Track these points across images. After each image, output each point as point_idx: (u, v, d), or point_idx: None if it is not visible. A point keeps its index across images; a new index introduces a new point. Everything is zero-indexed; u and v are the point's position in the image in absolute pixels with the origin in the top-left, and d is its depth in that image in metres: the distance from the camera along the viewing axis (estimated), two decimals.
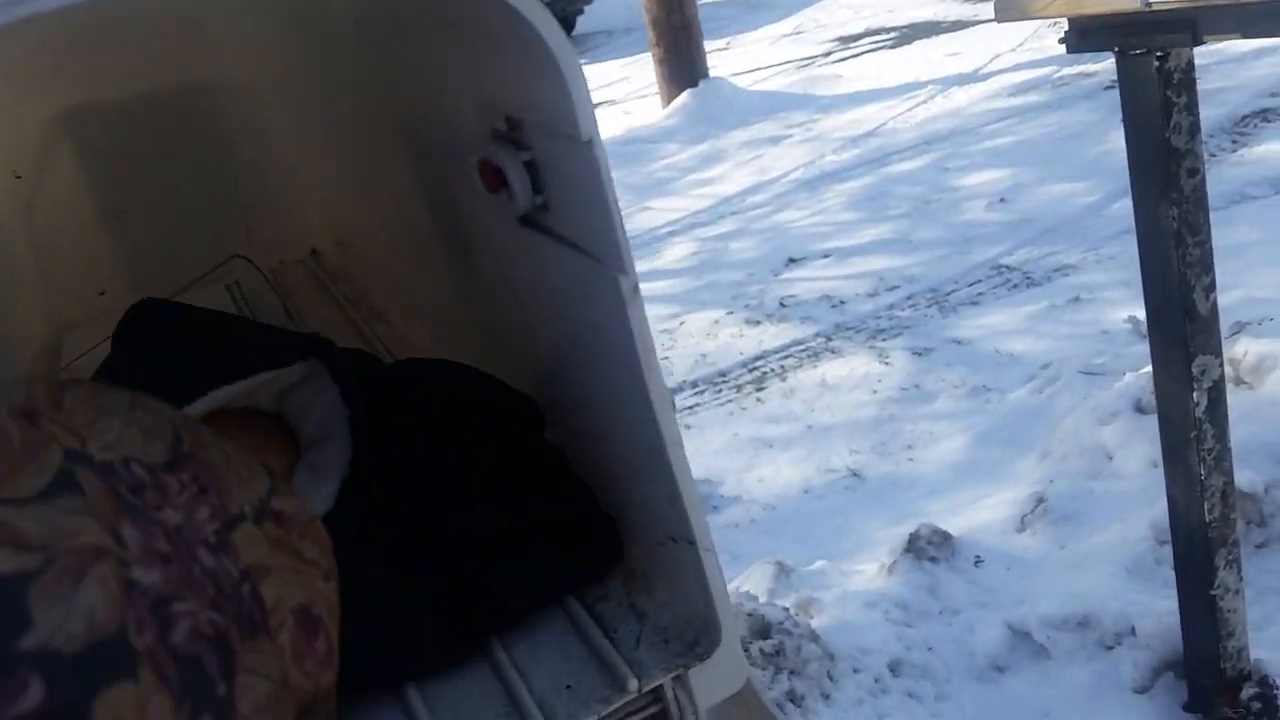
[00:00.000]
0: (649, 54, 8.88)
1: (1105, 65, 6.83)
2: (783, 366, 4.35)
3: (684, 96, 8.26)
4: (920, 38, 9.28)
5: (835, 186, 6.25)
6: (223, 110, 0.84)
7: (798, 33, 11.04)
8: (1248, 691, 1.96)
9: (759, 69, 9.70)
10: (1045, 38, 7.78)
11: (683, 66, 8.34)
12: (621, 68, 11.42)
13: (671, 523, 0.46)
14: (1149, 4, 1.53)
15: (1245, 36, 1.54)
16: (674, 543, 0.47)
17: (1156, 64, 1.66)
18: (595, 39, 13.39)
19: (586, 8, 13.62)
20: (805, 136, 7.35)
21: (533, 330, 0.54)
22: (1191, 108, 1.69)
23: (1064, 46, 1.78)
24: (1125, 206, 5.04)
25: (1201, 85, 1.81)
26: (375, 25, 0.45)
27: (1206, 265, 1.77)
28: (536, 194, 0.44)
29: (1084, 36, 1.73)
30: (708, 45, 8.92)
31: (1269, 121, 5.42)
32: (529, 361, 0.57)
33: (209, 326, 0.64)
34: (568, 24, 13.71)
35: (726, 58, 10.34)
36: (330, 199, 0.89)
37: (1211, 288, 1.79)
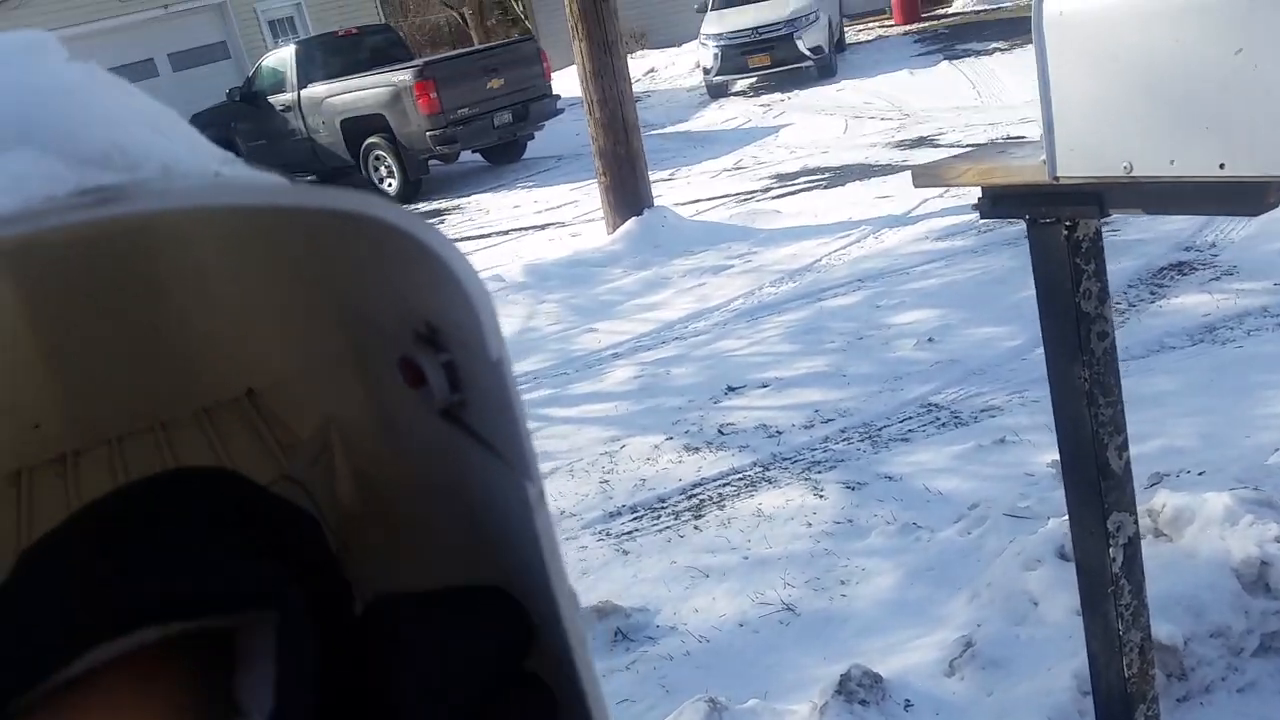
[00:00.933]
0: (594, 180, 9.11)
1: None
2: (720, 495, 4.37)
3: (630, 223, 8.46)
4: (853, 179, 9.65)
5: (774, 318, 6.39)
6: (162, 251, 0.85)
7: (738, 168, 11.41)
8: None
9: (701, 200, 9.99)
10: (970, 186, 8.13)
11: (628, 195, 8.56)
12: (569, 191, 11.69)
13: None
14: (1057, 178, 1.63)
15: (1148, 213, 1.64)
16: None
17: (1065, 232, 1.75)
18: (545, 163, 13.71)
19: (537, 133, 13.99)
20: (745, 268, 7.54)
21: (448, 519, 0.55)
22: (1100, 274, 1.79)
23: (978, 213, 1.87)
24: None
25: (1120, 237, 1.91)
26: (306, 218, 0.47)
27: (1119, 425, 1.84)
28: (454, 391, 0.47)
29: (996, 204, 1.83)
30: (652, 175, 9.18)
31: (1184, 274, 5.69)
32: (441, 547, 0.58)
33: (147, 520, 0.47)
34: (518, 148, 14.06)
35: (671, 188, 10.64)
36: (266, 340, 0.90)
37: (1124, 446, 1.86)
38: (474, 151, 13.75)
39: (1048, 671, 2.65)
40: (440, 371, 0.45)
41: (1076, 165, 1.53)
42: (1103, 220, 1.67)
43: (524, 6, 24.13)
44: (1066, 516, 3.28)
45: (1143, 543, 1.99)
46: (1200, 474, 3.21)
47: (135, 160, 0.40)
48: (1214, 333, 4.91)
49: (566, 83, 15.06)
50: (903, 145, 10.68)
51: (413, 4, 29.24)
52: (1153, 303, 5.40)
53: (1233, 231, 6.05)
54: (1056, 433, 1.89)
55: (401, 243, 0.41)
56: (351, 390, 0.69)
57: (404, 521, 0.66)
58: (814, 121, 12.85)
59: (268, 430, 0.97)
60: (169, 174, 0.40)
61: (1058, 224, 1.71)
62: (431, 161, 13.26)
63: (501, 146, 13.65)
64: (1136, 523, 1.92)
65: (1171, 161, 1.39)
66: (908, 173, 7.78)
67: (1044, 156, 1.58)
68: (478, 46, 18.30)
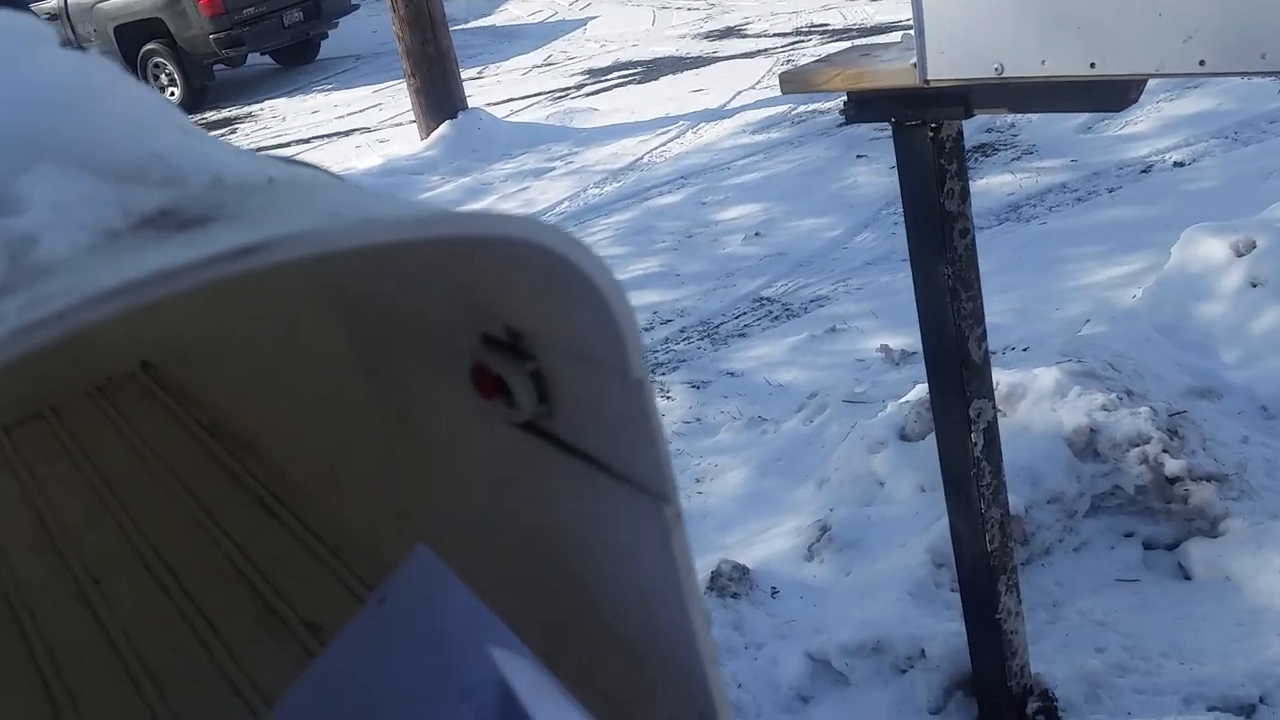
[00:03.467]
0: (401, 81, 8.72)
1: (837, 103, 7.33)
2: None
3: (444, 128, 8.17)
4: (666, 73, 9.61)
5: (602, 220, 6.36)
6: None
7: (549, 64, 11.17)
8: (1032, 706, 2.14)
9: (515, 99, 9.74)
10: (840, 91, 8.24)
11: (441, 97, 8.25)
12: (372, 94, 11.17)
13: None
14: (928, 81, 1.66)
15: (1012, 111, 1.70)
16: None
17: (930, 134, 1.80)
18: (343, 63, 13.02)
19: (331, 32, 13.24)
20: (568, 169, 7.45)
21: (511, 527, 0.52)
22: (961, 174, 1.85)
23: (843, 117, 1.90)
24: (867, 240, 5.44)
25: None
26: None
27: (978, 317, 1.93)
28: (542, 403, 0.43)
29: (863, 107, 1.85)
30: (461, 73, 8.87)
31: (987, 155, 5.98)
32: (504, 554, 0.54)
33: None
34: (311, 49, 13.29)
35: (481, 88, 10.32)
36: (163, 310, 0.82)
37: (983, 338, 1.96)
38: (263, 54, 12.90)
39: (901, 548, 2.82)
40: (528, 381, 0.42)
41: (947, 68, 1.56)
42: (968, 119, 1.72)
43: None
44: (903, 399, 3.48)
45: None
46: (1025, 350, 3.43)
47: (180, 172, 0.35)
48: (1018, 210, 5.21)
49: None
50: (712, 36, 10.69)
51: None
52: None
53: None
54: (920, 326, 1.97)
55: (501, 254, 0.37)
56: (334, 374, 0.63)
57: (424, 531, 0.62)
58: (621, 13, 12.67)
59: (175, 403, 0.89)
60: (221, 185, 0.35)
61: (923, 126, 1.75)
62: (216, 67, 12.37)
63: (293, 47, 12.85)
64: (995, 408, 2.04)
65: (1043, 62, 1.44)
66: (721, 65, 7.81)
67: (914, 60, 1.61)
68: None
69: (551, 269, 0.35)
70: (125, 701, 0.66)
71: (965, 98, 1.67)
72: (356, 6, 13.30)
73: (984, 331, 1.95)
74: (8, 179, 0.31)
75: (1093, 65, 1.42)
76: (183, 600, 0.73)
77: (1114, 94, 1.47)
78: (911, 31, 1.64)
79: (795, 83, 1.85)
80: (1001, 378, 2.94)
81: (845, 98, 1.86)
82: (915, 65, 1.63)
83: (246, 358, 0.76)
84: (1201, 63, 1.32)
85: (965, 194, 1.84)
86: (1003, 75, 1.52)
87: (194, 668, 0.67)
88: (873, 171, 6.03)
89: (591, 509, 0.43)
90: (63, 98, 0.34)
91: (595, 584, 0.46)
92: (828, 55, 1.90)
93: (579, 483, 0.42)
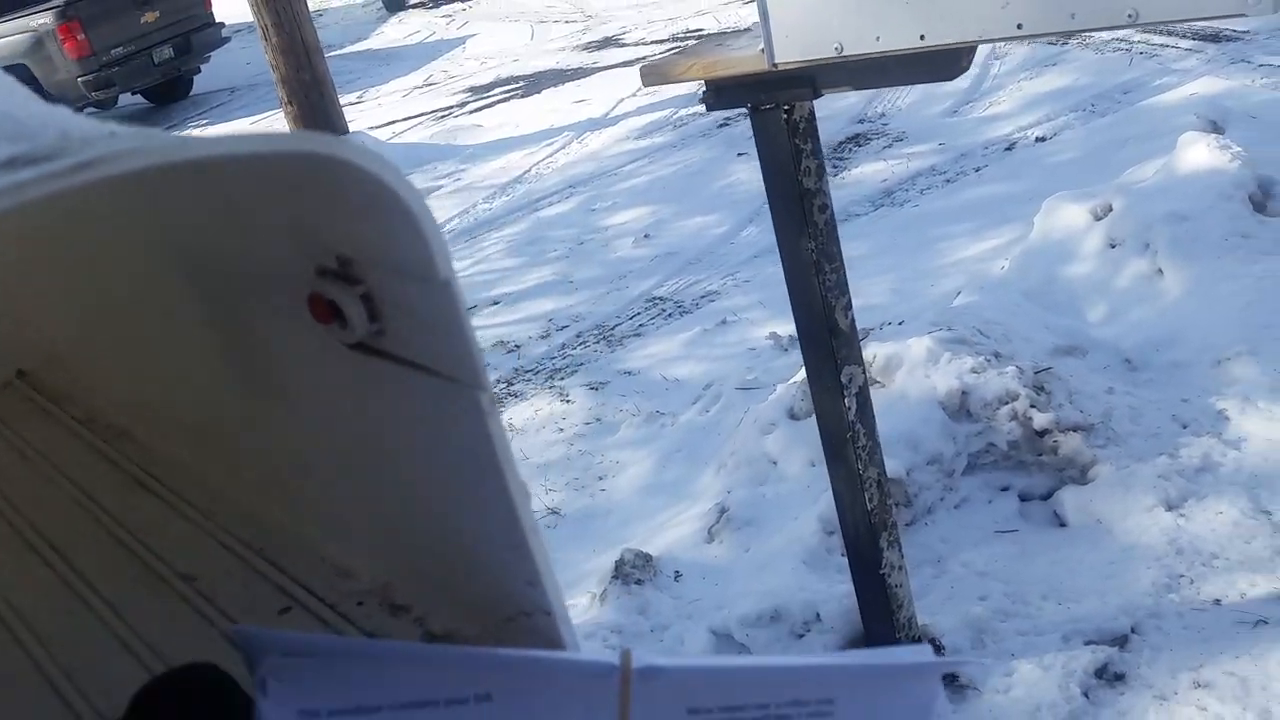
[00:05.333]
0: (278, 110, 8.62)
1: None
2: None
3: None
4: (548, 86, 9.68)
5: (493, 234, 6.39)
6: None
7: (430, 84, 11.14)
8: None
9: (397, 121, 9.70)
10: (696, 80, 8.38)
11: (320, 123, 8.17)
12: (250, 125, 10.97)
13: (530, 600, 0.52)
14: (775, 64, 1.76)
15: (855, 88, 1.81)
16: (527, 616, 0.53)
17: (785, 115, 1.90)
18: (218, 97, 12.76)
19: (204, 66, 12.98)
20: (455, 187, 7.46)
21: (359, 435, 0.57)
22: (817, 153, 1.95)
23: (704, 105, 1.99)
24: (752, 234, 5.58)
25: None
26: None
27: (843, 288, 2.04)
28: (373, 322, 0.49)
29: (720, 95, 1.94)
30: (340, 99, 8.80)
31: (860, 145, 6.19)
32: (357, 462, 0.60)
33: None
34: (184, 85, 13.01)
35: (362, 111, 10.25)
36: (35, 317, 0.86)
37: (849, 307, 2.06)
38: (134, 93, 12.58)
39: (794, 520, 2.93)
40: (359, 304, 0.47)
41: (792, 50, 1.66)
42: (816, 99, 1.83)
43: None
44: (791, 380, 3.60)
45: None
46: (900, 323, 3.58)
47: (29, 129, 0.40)
48: (892, 196, 5.41)
49: (230, 8, 13.98)
50: (590, 47, 10.79)
51: None
52: (836, 175, 5.85)
53: (899, 101, 6.63)
54: (790, 301, 2.07)
55: (321, 179, 0.42)
56: (193, 347, 0.68)
57: (293, 471, 0.67)
58: (500, 30, 12.70)
59: (52, 404, 0.92)
60: (68, 139, 0.40)
61: (777, 109, 1.85)
62: (88, 110, 12.02)
63: (165, 84, 12.54)
64: (865, 373, 2.15)
65: (877, 38, 1.55)
66: (602, 75, 7.92)
67: (762, 46, 1.70)
68: None
69: (364, 187, 0.41)
70: (14, 663, 0.70)
71: (812, 78, 1.77)
72: (227, 40, 13.06)
73: (849, 301, 2.06)
74: None
75: (922, 37, 1.53)
76: (65, 570, 0.77)
77: (945, 63, 1.58)
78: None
79: (655, 75, 1.93)
80: (878, 350, 3.08)
81: (704, 87, 1.95)
82: (764, 51, 1.73)
83: (115, 353, 0.80)
84: (1019, 26, 1.44)
85: (821, 171, 1.95)
86: (843, 54, 1.63)
87: (79, 625, 0.71)
88: (754, 169, 6.10)
89: (421, 412, 0.49)
90: None
91: (427, 480, 0.52)
92: (685, 48, 1.99)
93: (410, 390, 0.48)
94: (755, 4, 1.62)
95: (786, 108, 1.85)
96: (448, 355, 0.45)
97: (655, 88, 1.96)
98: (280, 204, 0.47)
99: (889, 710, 0.50)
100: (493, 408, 0.45)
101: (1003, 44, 6.74)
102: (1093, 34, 6.96)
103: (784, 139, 1.87)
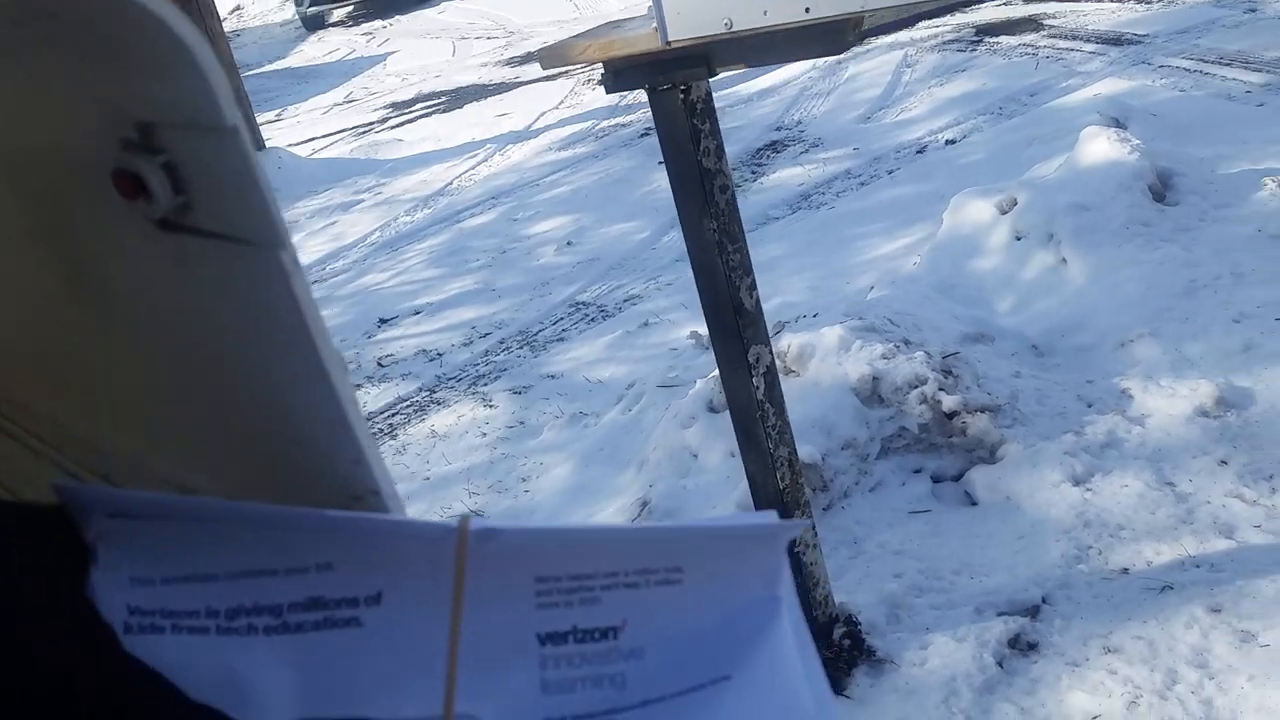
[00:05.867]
0: None
1: (637, 116, 7.55)
2: (391, 425, 4.35)
3: None
4: (470, 100, 9.67)
5: (414, 246, 6.35)
6: None
7: (350, 101, 11.05)
8: (838, 632, 2.28)
9: (317, 138, 9.60)
10: (582, 94, 8.43)
11: None
12: None
13: (358, 480, 0.51)
14: (669, 43, 1.78)
15: (748, 65, 1.83)
16: (358, 499, 0.52)
17: (682, 96, 1.92)
18: None
19: None
20: (376, 200, 7.40)
21: (181, 329, 0.56)
22: (715, 133, 1.97)
23: (603, 89, 2.00)
24: (673, 239, 5.62)
25: (720, 125, 2.13)
26: None
27: (746, 268, 2.06)
28: (177, 194, 0.48)
29: (618, 77, 1.95)
30: (259, 117, 8.69)
31: (778, 151, 6.27)
32: (181, 362, 0.58)
33: None
34: None
35: (281, 129, 10.12)
36: None
37: (753, 286, 2.08)
38: None
39: (713, 508, 2.94)
40: (161, 174, 0.46)
41: (684, 28, 1.68)
42: (712, 78, 1.85)
43: None
44: (710, 375, 3.63)
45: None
46: (815, 316, 3.62)
47: None
48: (809, 199, 5.49)
49: None
50: (512, 62, 10.81)
51: None
52: (755, 180, 5.92)
53: (814, 108, 6.74)
54: (696, 282, 2.08)
55: (101, 23, 0.41)
56: (22, 264, 0.66)
57: (116, 374, 0.65)
58: (421, 46, 12.65)
59: None
60: None
61: (674, 89, 1.87)
62: None
63: None
64: (772, 353, 2.17)
65: (765, 12, 1.57)
66: (524, 89, 7.93)
67: (655, 25, 1.72)
68: None
69: (147, 34, 0.40)
70: None
71: (706, 56, 1.79)
72: None
73: (753, 281, 2.08)
74: None
75: (808, 10, 1.56)
76: None
77: (831, 37, 1.61)
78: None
79: (553, 57, 1.94)
80: (792, 340, 3.11)
81: (602, 70, 1.96)
82: (657, 29, 1.75)
83: None
84: None
85: (720, 152, 1.97)
86: (733, 29, 1.65)
87: None
88: None
89: (231, 288, 0.48)
90: None
91: (247, 362, 0.51)
92: (582, 32, 2.00)
93: (218, 264, 0.47)
94: None
95: (684, 88, 1.87)
96: (245, 216, 0.44)
97: (554, 69, 1.97)
98: (76, 68, 0.45)
99: (736, 575, 0.50)
100: (296, 267, 0.44)
101: (883, 18, 6.89)
102: (999, 39, 7.15)
103: (682, 119, 1.89)
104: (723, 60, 1.79)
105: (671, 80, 1.88)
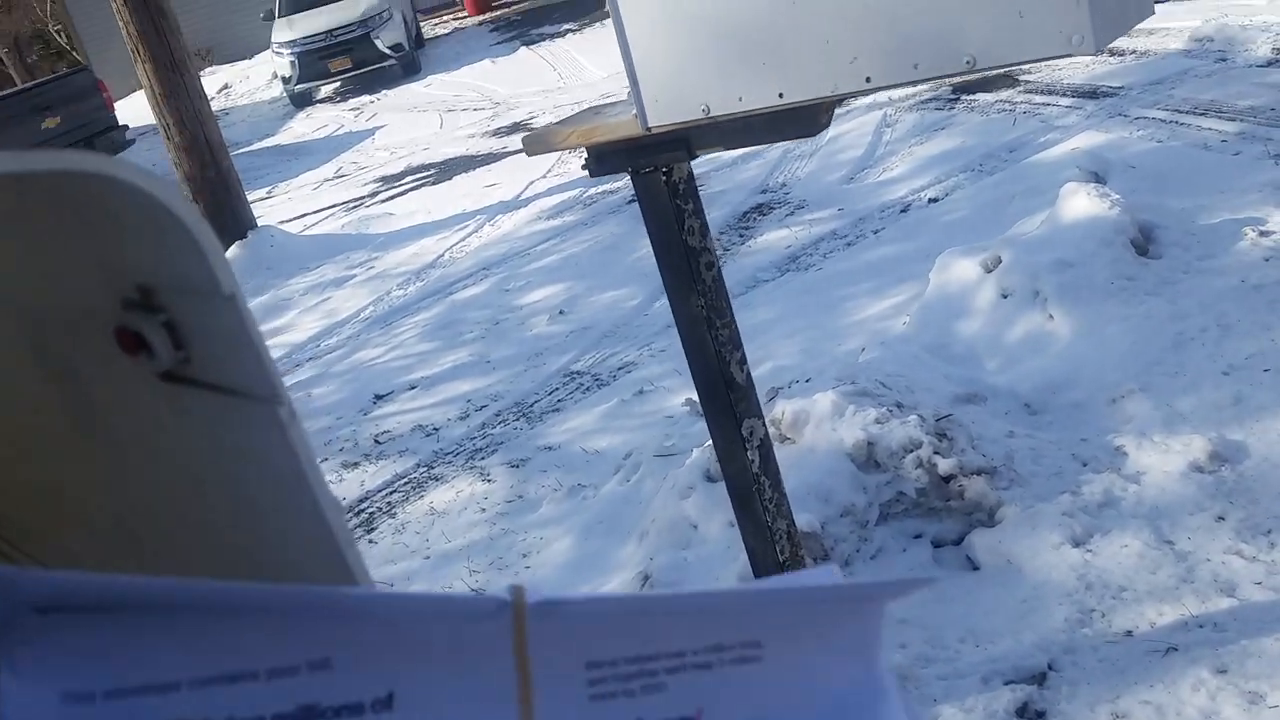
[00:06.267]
0: None
1: (625, 182, 7.65)
2: (389, 503, 4.34)
3: (234, 249, 8.04)
4: (459, 172, 9.77)
5: (407, 320, 6.38)
6: None
7: (340, 176, 11.16)
8: None
9: (308, 214, 9.68)
10: (570, 163, 8.54)
11: (227, 220, 8.12)
12: None
13: None
14: (649, 129, 1.81)
15: (727, 148, 1.87)
16: None
17: (664, 178, 1.95)
18: None
19: None
20: (368, 275, 7.44)
21: (182, 472, 0.57)
22: (699, 212, 2.01)
23: (587, 172, 2.03)
24: (664, 305, 5.63)
25: (706, 190, 2.16)
26: None
27: (736, 342, 2.08)
28: (178, 350, 0.49)
29: (601, 161, 1.99)
30: (250, 195, 8.78)
31: (764, 214, 6.34)
32: (181, 502, 0.60)
33: None
34: None
35: (271, 206, 10.22)
36: None
37: (743, 361, 2.10)
38: None
39: (715, 580, 2.93)
40: (162, 332, 0.48)
41: (663, 114, 1.71)
42: (693, 160, 1.88)
43: (69, 38, 21.94)
44: (706, 443, 3.63)
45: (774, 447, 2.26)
46: (808, 381, 3.64)
47: None
48: (797, 261, 5.54)
49: (133, 111, 13.92)
50: (499, 133, 10.95)
51: None
52: (743, 244, 5.98)
53: (798, 170, 6.83)
54: (686, 358, 2.10)
55: (104, 199, 0.43)
56: (26, 400, 0.67)
57: (115, 519, 0.66)
58: (408, 120, 12.82)
59: None
60: None
61: (656, 172, 1.90)
62: None
63: None
64: (765, 425, 2.18)
65: (740, 98, 1.61)
66: (511, 159, 8.02)
67: (635, 111, 1.75)
68: (23, 85, 16.40)
69: (141, 206, 0.42)
70: None
71: (686, 140, 1.83)
72: (132, 142, 13.00)
73: (743, 356, 2.10)
74: None
75: (781, 95, 1.59)
76: None
77: (805, 120, 1.65)
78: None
79: (537, 143, 1.97)
80: (786, 407, 3.13)
81: (585, 154, 2.00)
82: (637, 116, 1.78)
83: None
84: (868, 79, 1.51)
85: (705, 230, 2.00)
86: (710, 115, 1.68)
87: None
88: None
89: (230, 438, 0.49)
90: None
91: (246, 508, 0.53)
92: (564, 119, 2.04)
93: (217, 416, 0.49)
94: (624, 68, 1.67)
95: (665, 170, 1.90)
96: (244, 373, 0.46)
97: (538, 155, 2.00)
98: (78, 237, 0.47)
99: (827, 649, 0.41)
100: (293, 420, 0.46)
101: (856, 98, 7.00)
102: (976, 96, 7.28)
103: (666, 200, 1.92)
104: (702, 143, 1.83)
105: (653, 163, 1.91)
